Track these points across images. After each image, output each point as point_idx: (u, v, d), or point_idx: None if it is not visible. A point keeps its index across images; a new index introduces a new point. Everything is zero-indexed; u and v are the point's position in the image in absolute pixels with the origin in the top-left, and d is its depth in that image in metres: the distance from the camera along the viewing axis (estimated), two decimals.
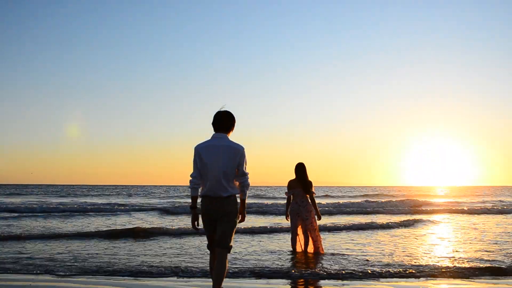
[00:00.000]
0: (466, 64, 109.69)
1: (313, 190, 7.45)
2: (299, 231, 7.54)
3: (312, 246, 7.50)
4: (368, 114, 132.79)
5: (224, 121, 4.14)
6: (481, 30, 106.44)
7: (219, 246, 4.06)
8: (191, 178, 4.09)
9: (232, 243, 4.14)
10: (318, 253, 7.39)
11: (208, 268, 4.68)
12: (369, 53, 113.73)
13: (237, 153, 4.06)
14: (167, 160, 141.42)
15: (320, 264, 6.52)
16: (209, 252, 4.30)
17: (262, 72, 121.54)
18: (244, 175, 4.13)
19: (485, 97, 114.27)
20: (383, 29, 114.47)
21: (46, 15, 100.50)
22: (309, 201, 7.43)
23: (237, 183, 4.15)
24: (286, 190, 7.65)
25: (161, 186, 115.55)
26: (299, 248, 7.58)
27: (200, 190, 4.15)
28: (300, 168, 7.48)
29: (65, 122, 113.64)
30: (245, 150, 4.12)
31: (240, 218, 4.25)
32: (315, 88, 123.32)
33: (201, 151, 4.06)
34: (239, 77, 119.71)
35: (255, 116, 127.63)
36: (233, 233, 4.16)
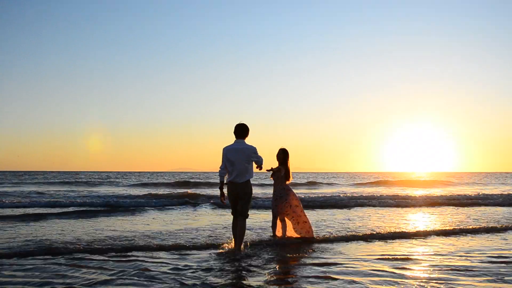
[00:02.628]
0: (449, 52, 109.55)
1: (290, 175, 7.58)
2: (283, 216, 7.56)
3: (296, 231, 7.54)
4: (348, 102, 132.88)
5: (241, 132, 6.34)
6: (466, 19, 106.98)
7: (241, 215, 6.33)
8: (220, 169, 6.33)
9: (248, 213, 6.39)
10: (306, 238, 7.47)
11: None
12: (351, 42, 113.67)
13: (251, 152, 6.27)
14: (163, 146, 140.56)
15: None
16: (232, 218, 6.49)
17: (245, 61, 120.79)
18: (258, 157, 6.31)
19: (467, 84, 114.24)
20: (367, 17, 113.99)
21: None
22: (288, 185, 7.58)
23: (254, 166, 6.34)
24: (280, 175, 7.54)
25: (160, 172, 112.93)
26: (279, 234, 7.60)
27: (226, 177, 6.33)
28: (284, 155, 7.51)
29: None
30: (256, 148, 6.33)
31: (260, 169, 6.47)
32: (296, 76, 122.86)
33: (227, 152, 6.27)
34: (223, 64, 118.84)
35: (235, 103, 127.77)
36: (249, 206, 6.40)
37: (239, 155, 6.20)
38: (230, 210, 6.55)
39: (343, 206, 15.01)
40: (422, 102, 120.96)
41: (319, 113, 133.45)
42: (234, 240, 6.42)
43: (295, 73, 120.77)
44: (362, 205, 15.36)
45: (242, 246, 6.41)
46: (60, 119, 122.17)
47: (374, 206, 15.18)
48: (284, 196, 7.47)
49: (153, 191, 24.30)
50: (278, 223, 7.60)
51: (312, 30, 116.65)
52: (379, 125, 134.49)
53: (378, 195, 20.04)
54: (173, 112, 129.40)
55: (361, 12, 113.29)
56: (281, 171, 7.42)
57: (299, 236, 7.52)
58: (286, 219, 7.55)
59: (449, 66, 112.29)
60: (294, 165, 7.69)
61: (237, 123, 6.37)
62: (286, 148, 7.52)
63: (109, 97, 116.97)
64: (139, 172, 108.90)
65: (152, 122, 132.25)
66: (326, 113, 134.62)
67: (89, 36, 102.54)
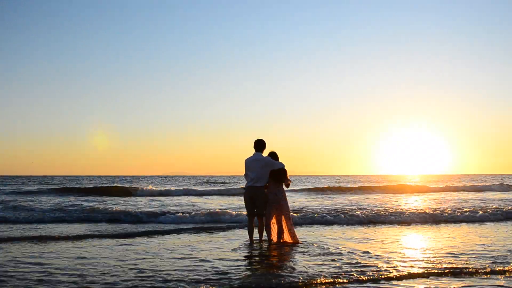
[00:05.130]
0: (442, 53, 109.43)
1: (288, 178, 7.75)
2: (273, 220, 7.81)
3: (288, 236, 7.85)
4: (341, 103, 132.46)
5: (258, 147, 7.82)
6: (461, 20, 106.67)
7: (259, 216, 7.74)
8: (244, 176, 7.82)
9: (264, 212, 7.69)
10: (294, 244, 7.73)
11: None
12: (344, 43, 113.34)
13: (264, 161, 7.69)
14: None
15: None
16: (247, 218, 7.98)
17: (240, 64, 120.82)
18: (273, 163, 7.71)
19: (461, 86, 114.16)
20: (359, 19, 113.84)
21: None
22: (283, 190, 7.80)
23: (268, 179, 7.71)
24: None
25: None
26: (274, 238, 7.83)
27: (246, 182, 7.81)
28: (274, 157, 7.93)
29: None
30: (270, 158, 7.76)
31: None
32: (290, 78, 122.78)
33: (247, 163, 7.75)
34: (215, 67, 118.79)
35: (229, 106, 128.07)
36: (264, 207, 7.65)
37: (256, 164, 7.63)
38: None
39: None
40: (417, 104, 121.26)
41: (311, 116, 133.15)
42: (250, 237, 7.86)
43: (289, 75, 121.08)
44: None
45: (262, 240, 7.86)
46: (55, 121, 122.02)
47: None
48: (269, 200, 7.74)
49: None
50: (274, 227, 7.88)
51: (307, 32, 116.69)
52: (371, 127, 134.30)
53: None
54: (164, 115, 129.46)
55: (355, 15, 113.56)
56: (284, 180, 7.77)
57: (291, 241, 7.84)
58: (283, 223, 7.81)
59: (446, 69, 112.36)
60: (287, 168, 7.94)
61: (256, 139, 7.82)
62: (275, 151, 7.99)
63: (102, 100, 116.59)
64: (138, 177, 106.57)
65: (143, 125, 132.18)
66: (319, 116, 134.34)
67: (82, 39, 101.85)
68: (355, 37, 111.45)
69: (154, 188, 27.90)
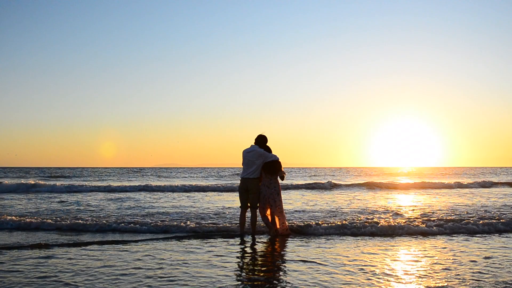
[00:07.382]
0: (435, 46, 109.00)
1: (282, 170, 7.85)
2: (268, 212, 7.86)
3: (279, 228, 7.89)
4: (334, 95, 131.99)
5: (258, 141, 7.96)
6: (454, 13, 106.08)
7: (252, 207, 7.86)
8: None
9: (258, 204, 7.84)
10: (284, 235, 7.85)
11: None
12: (336, 34, 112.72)
13: (258, 153, 7.79)
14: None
15: None
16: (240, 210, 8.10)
17: (232, 56, 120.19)
18: (266, 154, 7.79)
19: (454, 79, 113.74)
20: (351, 9, 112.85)
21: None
22: (278, 183, 7.87)
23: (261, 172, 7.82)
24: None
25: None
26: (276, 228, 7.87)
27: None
28: (267, 150, 7.96)
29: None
30: (263, 150, 7.83)
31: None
32: (281, 70, 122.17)
33: (243, 154, 7.89)
34: (205, 59, 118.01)
35: (221, 97, 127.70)
36: (257, 199, 7.81)
37: (251, 156, 7.82)
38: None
39: None
40: (409, 96, 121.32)
41: (304, 107, 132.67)
42: (241, 228, 8.04)
43: (280, 67, 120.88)
44: None
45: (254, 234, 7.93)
46: (47, 114, 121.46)
47: None
48: (262, 193, 7.86)
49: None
50: (270, 217, 7.90)
51: (292, 23, 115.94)
52: (365, 119, 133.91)
53: None
54: (156, 107, 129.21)
55: (347, 5, 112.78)
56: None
57: (283, 233, 7.93)
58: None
59: (440, 61, 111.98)
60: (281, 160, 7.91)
61: (259, 134, 8.03)
62: (268, 145, 8.01)
63: (97, 94, 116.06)
64: (133, 168, 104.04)
65: (134, 117, 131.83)
66: (312, 107, 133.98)
67: (77, 34, 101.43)
68: (346, 27, 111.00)
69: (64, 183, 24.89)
